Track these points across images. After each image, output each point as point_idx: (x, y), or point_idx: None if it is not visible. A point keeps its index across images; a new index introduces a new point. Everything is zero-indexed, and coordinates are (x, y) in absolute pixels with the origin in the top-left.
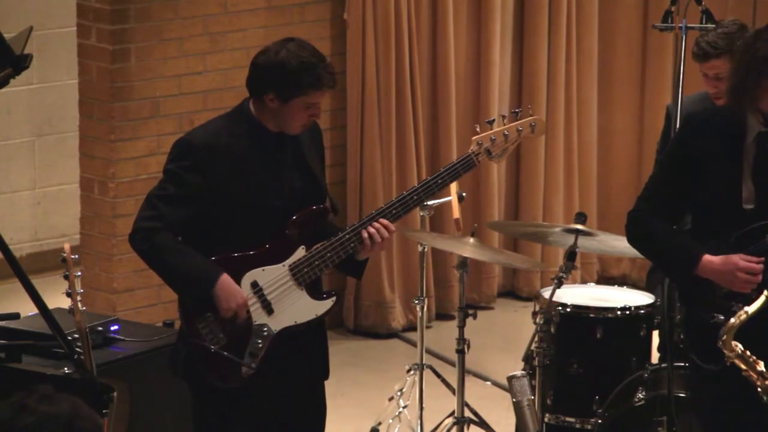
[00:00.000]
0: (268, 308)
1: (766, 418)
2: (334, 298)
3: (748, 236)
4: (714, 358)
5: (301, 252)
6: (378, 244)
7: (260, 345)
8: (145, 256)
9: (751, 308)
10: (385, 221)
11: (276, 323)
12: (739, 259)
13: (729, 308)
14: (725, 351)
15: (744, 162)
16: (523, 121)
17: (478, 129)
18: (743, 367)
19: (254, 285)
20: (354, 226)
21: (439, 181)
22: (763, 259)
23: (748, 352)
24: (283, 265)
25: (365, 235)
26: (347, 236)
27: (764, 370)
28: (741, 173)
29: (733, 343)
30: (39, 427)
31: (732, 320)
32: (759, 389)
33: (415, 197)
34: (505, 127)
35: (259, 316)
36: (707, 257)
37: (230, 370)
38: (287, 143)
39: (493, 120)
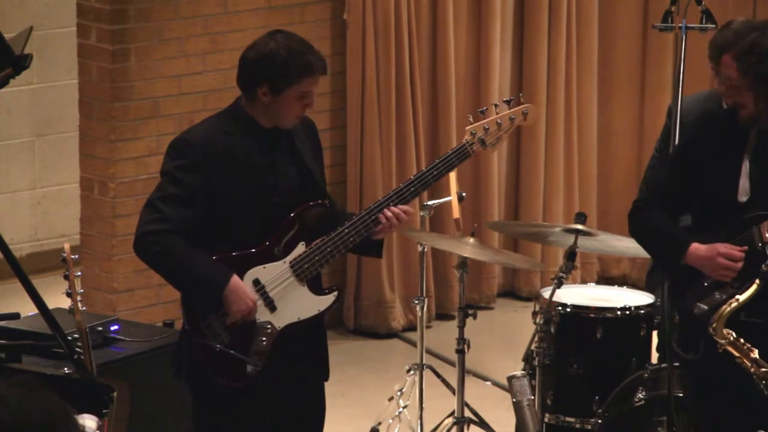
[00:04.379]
0: (270, 305)
1: (747, 406)
2: (336, 293)
3: (738, 229)
4: (694, 347)
5: (301, 248)
6: (396, 225)
7: (264, 343)
8: (155, 259)
9: (743, 296)
10: (404, 207)
11: (279, 320)
12: (721, 246)
13: (713, 298)
14: (717, 338)
15: (744, 155)
16: (515, 109)
17: (471, 119)
18: (736, 354)
19: (256, 283)
20: (353, 221)
21: (435, 173)
22: (746, 248)
23: (741, 340)
24: (284, 262)
25: (383, 218)
26: (346, 231)
27: (758, 357)
28: (740, 167)
29: (725, 330)
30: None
31: (723, 307)
32: (754, 377)
33: (412, 189)
34: (498, 116)
35: (262, 314)
36: (694, 245)
37: (236, 369)
38: (282, 139)
39: (486, 109)
